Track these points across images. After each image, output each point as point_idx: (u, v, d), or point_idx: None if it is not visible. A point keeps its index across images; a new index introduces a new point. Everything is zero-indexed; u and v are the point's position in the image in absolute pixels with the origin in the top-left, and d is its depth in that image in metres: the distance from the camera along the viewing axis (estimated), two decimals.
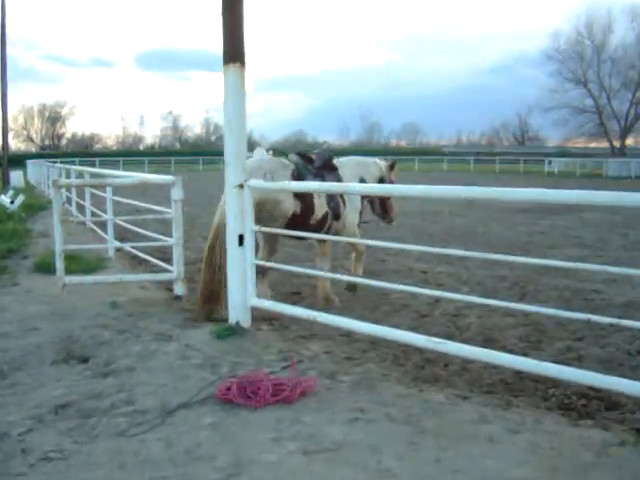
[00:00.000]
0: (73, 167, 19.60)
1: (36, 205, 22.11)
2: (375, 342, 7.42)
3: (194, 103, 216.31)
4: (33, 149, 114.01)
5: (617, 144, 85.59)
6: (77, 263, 10.78)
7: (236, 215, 6.93)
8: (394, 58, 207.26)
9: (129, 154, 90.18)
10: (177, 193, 8.66)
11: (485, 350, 5.29)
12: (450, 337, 7.56)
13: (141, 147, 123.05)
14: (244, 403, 5.27)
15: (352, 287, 10.17)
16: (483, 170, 69.70)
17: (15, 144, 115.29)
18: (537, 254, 13.99)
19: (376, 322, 8.20)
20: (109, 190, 12.39)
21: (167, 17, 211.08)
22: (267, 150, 10.17)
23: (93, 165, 64.79)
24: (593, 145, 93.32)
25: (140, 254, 11.02)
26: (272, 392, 5.38)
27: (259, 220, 7.76)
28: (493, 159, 74.39)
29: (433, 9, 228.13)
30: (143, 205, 11.37)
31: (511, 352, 6.96)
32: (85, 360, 6.62)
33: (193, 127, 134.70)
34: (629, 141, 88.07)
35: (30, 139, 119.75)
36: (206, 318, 7.87)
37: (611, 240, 16.38)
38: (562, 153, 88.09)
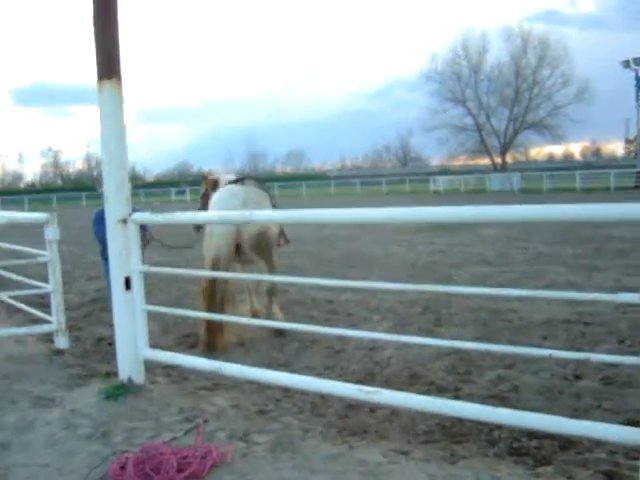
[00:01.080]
0: None
1: None
2: (287, 389, 6.60)
3: (75, 138, 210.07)
4: None
5: (498, 160, 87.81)
6: None
7: (120, 253, 5.97)
8: (275, 86, 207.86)
9: (8, 193, 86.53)
10: (52, 233, 7.60)
11: (429, 399, 4.50)
12: (371, 376, 6.86)
13: (21, 185, 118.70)
14: None
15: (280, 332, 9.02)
16: (370, 192, 69.98)
17: None
18: (442, 274, 13.53)
19: (287, 364, 7.48)
20: None
21: (43, 51, 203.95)
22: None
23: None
24: (475, 162, 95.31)
25: (16, 303, 9.77)
26: (177, 467, 4.45)
27: (257, 249, 8.84)
28: (379, 180, 74.94)
29: (312, 37, 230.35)
30: (18, 248, 10.09)
31: (442, 390, 6.35)
32: None
33: (74, 162, 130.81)
34: (509, 157, 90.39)
35: None
36: (209, 349, 8.10)
37: (512, 255, 16.09)
38: (445, 171, 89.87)
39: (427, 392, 6.33)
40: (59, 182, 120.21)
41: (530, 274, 13.05)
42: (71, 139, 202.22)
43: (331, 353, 8.03)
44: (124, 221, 5.93)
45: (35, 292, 8.70)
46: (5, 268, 10.63)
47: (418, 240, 20.16)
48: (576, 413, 5.61)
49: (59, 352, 7.82)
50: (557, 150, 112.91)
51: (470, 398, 6.09)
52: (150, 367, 6.55)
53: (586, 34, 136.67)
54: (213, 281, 8.26)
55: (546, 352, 4.22)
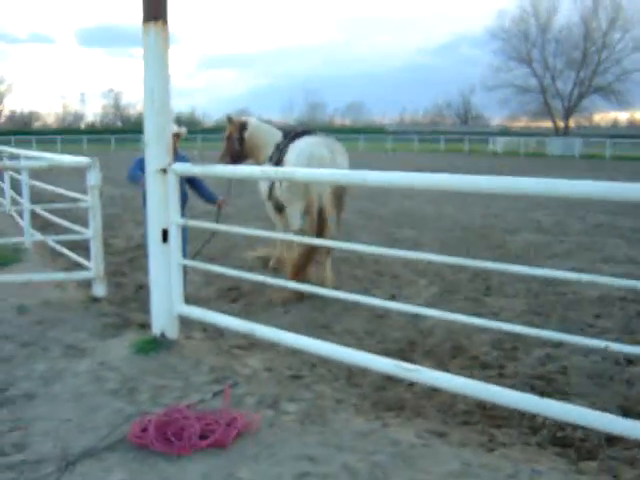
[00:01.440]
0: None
1: None
2: None
3: (137, 80, 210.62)
4: None
5: (561, 124, 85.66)
6: None
7: (159, 205, 5.74)
8: (339, 37, 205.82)
9: (68, 132, 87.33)
10: (93, 178, 7.39)
11: (471, 382, 4.19)
12: (413, 345, 6.59)
13: (82, 125, 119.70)
14: (164, 451, 4.13)
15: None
16: (428, 149, 68.98)
17: None
18: (496, 240, 13.11)
19: (327, 325, 7.25)
20: (25, 174, 10.96)
21: None
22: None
23: (30, 144, 62.50)
24: (537, 125, 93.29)
25: (60, 247, 9.65)
26: (200, 433, 4.24)
27: (341, 201, 9.05)
28: (437, 138, 73.73)
29: None
30: (64, 192, 9.94)
31: (486, 367, 6.04)
32: None
33: (135, 105, 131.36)
34: (572, 121, 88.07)
35: None
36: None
37: (569, 223, 15.54)
38: (505, 132, 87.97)
39: (470, 367, 6.06)
40: (119, 124, 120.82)
41: (587, 245, 12.56)
42: (133, 81, 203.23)
43: (373, 317, 7.75)
44: (164, 171, 5.69)
45: (75, 237, 8.56)
46: (50, 211, 10.54)
47: (473, 201, 19.61)
48: (627, 403, 5.27)
49: (96, 300, 7.68)
50: (622, 117, 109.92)
51: (515, 377, 5.80)
52: (186, 321, 6.36)
53: None
54: (322, 228, 8.62)
55: (601, 343, 3.87)
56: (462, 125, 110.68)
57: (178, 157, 6.80)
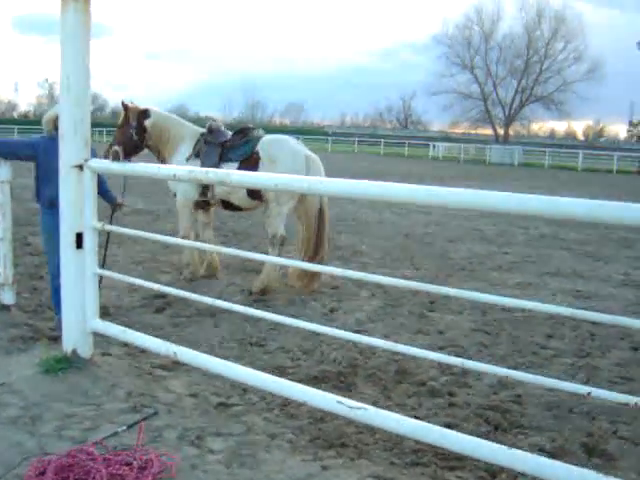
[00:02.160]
0: None
1: None
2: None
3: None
4: None
5: (501, 132, 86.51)
6: None
7: (73, 206, 5.05)
8: (279, 36, 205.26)
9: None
10: (3, 172, 6.63)
11: (422, 425, 3.61)
12: (354, 367, 6.03)
13: (15, 115, 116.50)
14: None
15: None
16: (367, 152, 68.74)
17: None
18: (438, 249, 12.66)
19: (261, 342, 6.66)
20: None
21: None
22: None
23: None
24: (477, 131, 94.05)
25: None
26: None
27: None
28: (377, 141, 73.54)
29: None
30: None
31: (434, 394, 5.50)
32: None
33: None
34: (511, 130, 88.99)
35: None
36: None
37: (513, 233, 15.21)
38: (445, 138, 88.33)
39: (417, 394, 5.52)
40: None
41: (532, 258, 12.18)
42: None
43: (311, 334, 7.15)
44: (80, 167, 5.00)
45: None
46: None
47: (414, 208, 19.14)
48: (591, 439, 4.78)
49: (4, 307, 6.92)
50: (560, 127, 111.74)
51: (467, 408, 5.27)
52: (102, 335, 5.67)
53: (602, 12, 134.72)
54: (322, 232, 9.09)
55: (584, 389, 3.33)
56: (402, 130, 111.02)
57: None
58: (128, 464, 3.73)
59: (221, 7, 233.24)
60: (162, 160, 9.08)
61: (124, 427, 4.35)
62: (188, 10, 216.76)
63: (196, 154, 8.93)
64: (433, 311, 8.17)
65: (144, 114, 8.93)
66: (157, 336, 6.87)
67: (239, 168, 8.75)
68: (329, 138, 76.80)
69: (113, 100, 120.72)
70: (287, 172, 8.68)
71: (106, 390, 4.95)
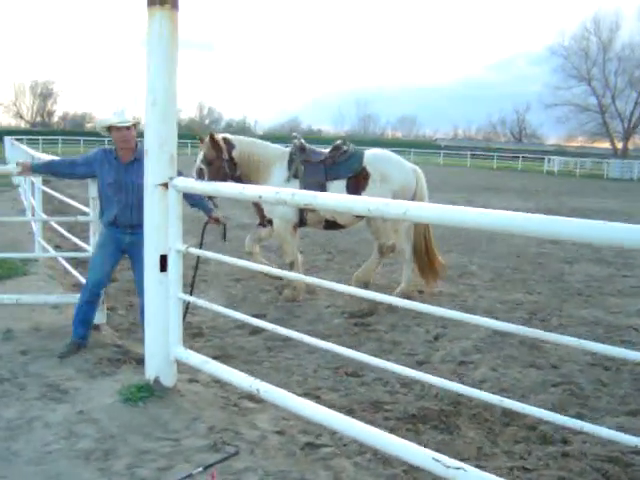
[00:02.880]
0: (23, 146, 17.33)
1: None
2: (354, 408, 5.38)
3: (188, 85, 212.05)
4: (23, 125, 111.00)
5: (619, 145, 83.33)
6: None
7: (158, 226, 4.77)
8: (391, 49, 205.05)
9: None
10: (94, 189, 6.43)
11: None
12: (457, 405, 5.49)
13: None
14: None
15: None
16: (480, 166, 67.35)
17: (4, 119, 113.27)
18: (553, 270, 11.92)
19: (359, 370, 6.20)
20: (38, 180, 10.05)
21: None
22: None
23: (78, 144, 62.36)
24: (594, 145, 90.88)
25: (65, 263, 8.69)
26: None
27: None
28: (490, 155, 72.03)
29: (437, 3, 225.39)
30: (72, 203, 8.95)
31: (546, 441, 4.94)
32: None
33: (187, 110, 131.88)
34: (631, 143, 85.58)
35: (20, 115, 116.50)
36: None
37: (634, 255, 14.20)
38: (560, 152, 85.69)
39: (526, 440, 4.95)
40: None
41: None
42: (184, 86, 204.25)
43: (412, 363, 6.70)
44: (165, 186, 4.71)
45: (72, 255, 7.57)
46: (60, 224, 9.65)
47: None
48: None
49: (95, 327, 6.73)
50: None
51: (582, 459, 4.68)
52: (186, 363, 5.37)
53: None
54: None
55: None
56: (516, 143, 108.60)
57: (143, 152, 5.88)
58: None
59: (335, 22, 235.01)
60: None
61: (200, 469, 4.00)
62: (298, 25, 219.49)
63: (294, 175, 8.61)
64: (546, 342, 7.54)
65: (230, 145, 8.49)
66: (249, 361, 6.65)
67: (347, 185, 8.62)
68: (441, 152, 75.83)
69: (227, 114, 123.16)
70: (400, 187, 8.94)
71: (186, 424, 4.62)
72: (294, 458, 4.30)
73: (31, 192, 12.33)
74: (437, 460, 3.23)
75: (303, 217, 8.74)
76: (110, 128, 5.79)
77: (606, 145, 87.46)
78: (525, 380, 6.25)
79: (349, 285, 7.32)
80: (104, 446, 4.29)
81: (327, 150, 9.01)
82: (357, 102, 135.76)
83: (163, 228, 4.74)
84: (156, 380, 4.99)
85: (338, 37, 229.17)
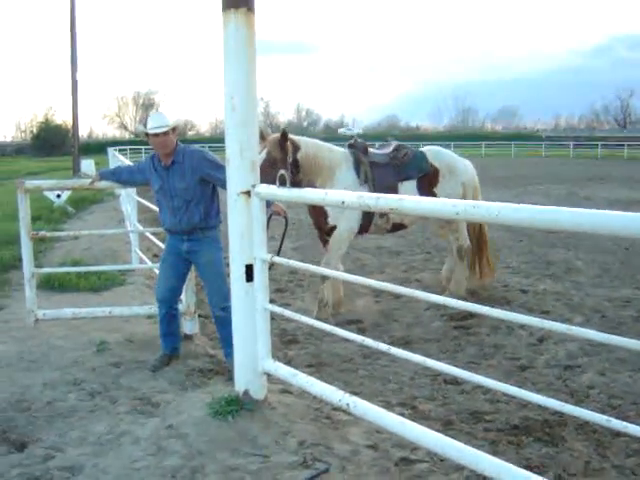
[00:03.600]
0: (120, 157, 17.68)
1: (89, 198, 20.07)
2: (452, 419, 5.13)
3: (286, 89, 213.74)
4: (127, 136, 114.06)
5: None
6: (89, 279, 8.75)
7: (242, 235, 4.63)
8: (488, 41, 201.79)
9: (219, 141, 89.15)
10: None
11: None
12: (561, 416, 5.14)
13: None
14: None
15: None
16: (584, 156, 65.21)
17: (109, 131, 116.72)
18: None
19: (455, 381, 5.92)
20: (132, 191, 10.14)
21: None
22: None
23: None
24: None
25: None
26: None
27: None
28: (594, 144, 69.65)
29: None
30: None
31: None
32: (22, 445, 4.51)
33: (285, 113, 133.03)
34: None
35: (124, 126, 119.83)
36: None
37: None
38: None
39: (638, 454, 4.60)
40: (269, 131, 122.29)
41: None
42: (281, 89, 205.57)
43: (514, 367, 6.39)
44: (247, 194, 4.58)
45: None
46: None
47: None
48: None
49: (187, 337, 6.67)
50: None
51: None
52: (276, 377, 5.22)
53: None
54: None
55: None
56: (621, 130, 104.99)
57: (183, 156, 5.76)
58: None
59: (430, 15, 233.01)
60: None
61: None
62: (392, 21, 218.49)
63: (364, 179, 8.22)
64: None
65: (295, 146, 7.93)
66: (344, 369, 6.47)
67: (419, 185, 8.51)
68: (542, 143, 73.99)
69: (326, 115, 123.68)
70: (467, 179, 9.00)
71: (276, 438, 4.46)
72: (388, 475, 4.09)
73: (128, 202, 12.52)
74: None
75: (365, 224, 8.32)
76: (147, 134, 5.67)
77: None
78: (636, 385, 5.85)
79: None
80: (191, 463, 4.18)
81: (385, 150, 8.73)
82: (455, 96, 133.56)
83: (247, 237, 4.60)
84: (245, 393, 4.85)
85: (431, 30, 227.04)
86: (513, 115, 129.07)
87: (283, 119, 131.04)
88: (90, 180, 6.37)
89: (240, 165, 4.59)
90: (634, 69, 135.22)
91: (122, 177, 6.28)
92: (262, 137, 7.33)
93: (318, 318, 7.36)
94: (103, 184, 6.35)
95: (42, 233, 7.50)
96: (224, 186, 4.93)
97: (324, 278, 7.87)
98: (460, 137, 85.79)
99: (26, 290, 6.59)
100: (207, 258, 5.76)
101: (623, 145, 65.89)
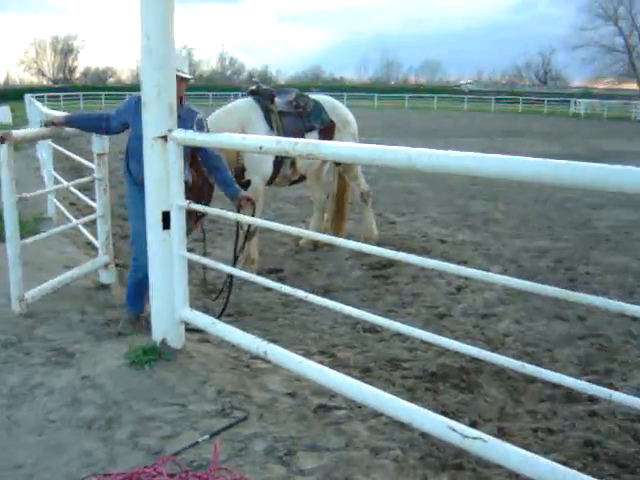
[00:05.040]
0: (37, 104, 17.11)
1: None
2: (370, 366, 5.17)
3: (209, 37, 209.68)
4: (45, 82, 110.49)
5: None
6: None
7: (159, 181, 4.51)
8: None
9: (140, 89, 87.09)
10: (99, 144, 6.18)
11: (562, 470, 2.79)
12: (478, 362, 5.22)
13: None
14: None
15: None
16: (505, 110, 66.15)
17: (27, 77, 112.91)
18: (580, 216, 11.60)
19: (374, 329, 5.96)
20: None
21: None
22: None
23: (99, 100, 62.15)
24: (622, 87, 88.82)
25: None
26: None
27: None
28: (516, 99, 70.67)
29: None
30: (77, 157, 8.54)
31: (571, 399, 4.68)
32: None
33: (208, 61, 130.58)
34: None
35: (41, 72, 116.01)
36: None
37: None
38: (586, 94, 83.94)
39: (551, 399, 4.72)
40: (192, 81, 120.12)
41: None
42: (205, 38, 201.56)
43: (432, 316, 6.47)
44: (164, 139, 4.45)
45: (82, 221, 7.14)
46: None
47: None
48: None
49: (103, 287, 6.52)
50: None
51: (611, 419, 4.44)
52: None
53: None
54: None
55: None
56: (541, 86, 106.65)
57: (186, 113, 5.51)
58: None
59: None
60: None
61: (207, 436, 3.80)
62: None
63: (276, 129, 7.96)
64: (574, 291, 7.25)
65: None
66: (264, 318, 6.45)
67: (319, 136, 8.35)
68: (465, 97, 74.66)
69: (249, 64, 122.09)
70: (354, 133, 9.01)
71: (194, 387, 4.41)
72: (305, 423, 4.08)
73: (44, 149, 12.14)
74: (453, 429, 2.99)
75: (273, 175, 8.14)
76: None
77: (634, 87, 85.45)
78: (551, 333, 6.00)
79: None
80: (108, 413, 4.10)
81: (287, 98, 8.41)
82: (380, 48, 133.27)
83: (164, 184, 4.48)
84: (163, 342, 4.77)
85: None
86: (436, 69, 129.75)
87: (207, 68, 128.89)
88: (49, 128, 5.86)
89: (157, 109, 4.44)
90: (556, 26, 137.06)
91: (92, 124, 5.75)
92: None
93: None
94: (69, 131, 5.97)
95: None
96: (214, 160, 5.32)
97: (249, 235, 7.70)
98: (384, 89, 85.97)
99: None
100: None
101: (543, 101, 67.09)
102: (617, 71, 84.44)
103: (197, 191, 5.85)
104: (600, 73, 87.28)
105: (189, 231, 5.45)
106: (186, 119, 5.31)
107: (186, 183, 5.59)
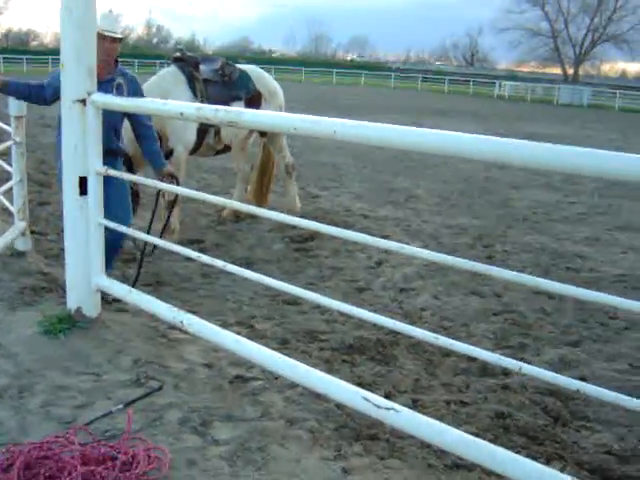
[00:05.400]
0: None
1: None
2: (288, 338, 5.18)
3: (136, 2, 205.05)
4: None
5: (570, 71, 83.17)
6: None
7: (76, 146, 4.40)
8: None
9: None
10: (16, 106, 5.99)
11: (472, 441, 2.84)
12: (396, 336, 5.29)
13: None
14: None
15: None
16: (431, 89, 66.74)
17: None
18: (500, 196, 11.82)
19: (294, 302, 5.97)
20: None
21: None
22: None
23: (20, 63, 60.08)
24: (545, 71, 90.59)
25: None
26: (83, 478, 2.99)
27: None
28: (442, 79, 71.35)
29: None
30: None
31: (485, 373, 4.79)
32: None
33: (135, 28, 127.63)
34: (581, 70, 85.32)
35: None
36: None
37: (582, 181, 14.12)
38: (512, 77, 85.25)
39: (465, 372, 4.81)
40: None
41: (602, 208, 11.25)
42: (132, 3, 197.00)
43: (352, 290, 6.51)
44: (82, 102, 4.33)
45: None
46: None
47: None
48: None
49: (20, 254, 6.35)
50: (631, 68, 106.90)
51: (522, 392, 4.55)
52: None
53: None
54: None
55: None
56: (468, 67, 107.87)
57: (120, 77, 5.40)
58: (112, 459, 3.13)
59: None
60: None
61: (120, 405, 3.75)
62: None
63: (201, 97, 7.83)
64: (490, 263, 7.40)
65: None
66: (183, 288, 6.39)
67: (245, 105, 8.17)
68: (392, 74, 75.00)
69: (176, 32, 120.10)
70: (281, 104, 8.94)
71: (109, 357, 4.34)
72: (221, 393, 4.07)
73: None
74: (367, 399, 3.02)
75: (197, 144, 8.05)
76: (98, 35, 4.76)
77: (557, 71, 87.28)
78: (467, 308, 6.11)
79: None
80: (20, 382, 4.00)
81: (213, 66, 8.30)
82: (309, 22, 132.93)
83: (81, 148, 4.37)
84: (78, 310, 4.68)
85: None
86: (363, 45, 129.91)
87: (133, 35, 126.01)
88: None
89: (75, 71, 4.31)
90: (484, 7, 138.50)
91: (30, 91, 5.49)
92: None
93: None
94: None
95: None
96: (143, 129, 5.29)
97: (170, 204, 7.52)
98: (312, 64, 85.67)
99: None
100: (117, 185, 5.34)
101: (469, 81, 67.93)
102: (542, 55, 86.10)
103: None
104: (525, 57, 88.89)
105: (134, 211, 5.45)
106: (126, 82, 5.30)
107: (125, 155, 5.56)
